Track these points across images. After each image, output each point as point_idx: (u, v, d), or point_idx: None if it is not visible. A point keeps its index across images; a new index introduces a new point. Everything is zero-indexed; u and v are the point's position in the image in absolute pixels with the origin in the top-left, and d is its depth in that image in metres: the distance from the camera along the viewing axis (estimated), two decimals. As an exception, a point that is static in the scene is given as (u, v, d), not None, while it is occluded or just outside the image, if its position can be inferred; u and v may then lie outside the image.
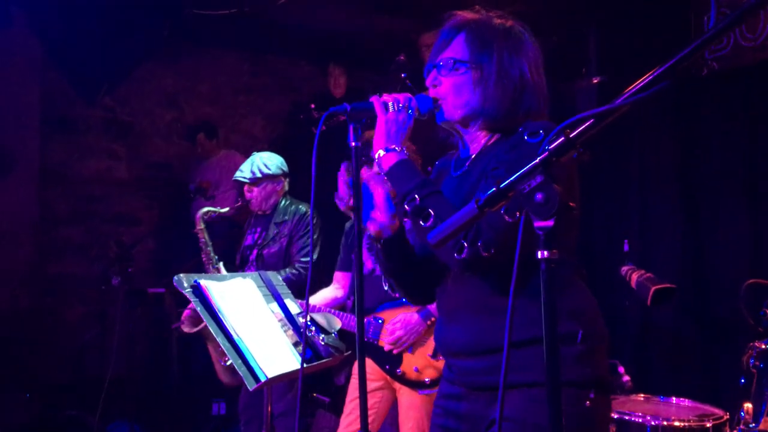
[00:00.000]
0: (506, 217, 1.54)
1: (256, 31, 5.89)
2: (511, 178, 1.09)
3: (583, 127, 1.04)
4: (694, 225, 4.21)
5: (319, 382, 5.35)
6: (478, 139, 1.88)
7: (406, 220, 1.80)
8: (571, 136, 1.04)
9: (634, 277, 3.81)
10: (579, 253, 1.83)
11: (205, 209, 4.18)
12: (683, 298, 4.03)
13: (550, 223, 1.06)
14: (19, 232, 5.64)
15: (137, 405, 5.21)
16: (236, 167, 5.20)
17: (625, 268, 3.93)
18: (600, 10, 5.01)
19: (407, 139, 1.89)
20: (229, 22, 5.25)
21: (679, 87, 4.22)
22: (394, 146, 1.82)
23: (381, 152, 1.83)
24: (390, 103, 1.84)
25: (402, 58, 4.74)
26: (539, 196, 1.06)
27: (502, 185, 1.11)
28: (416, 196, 1.71)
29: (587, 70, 5.13)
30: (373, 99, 1.87)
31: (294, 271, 3.97)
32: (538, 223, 1.07)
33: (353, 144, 1.85)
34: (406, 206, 1.74)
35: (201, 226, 4.11)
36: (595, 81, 4.98)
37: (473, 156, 1.87)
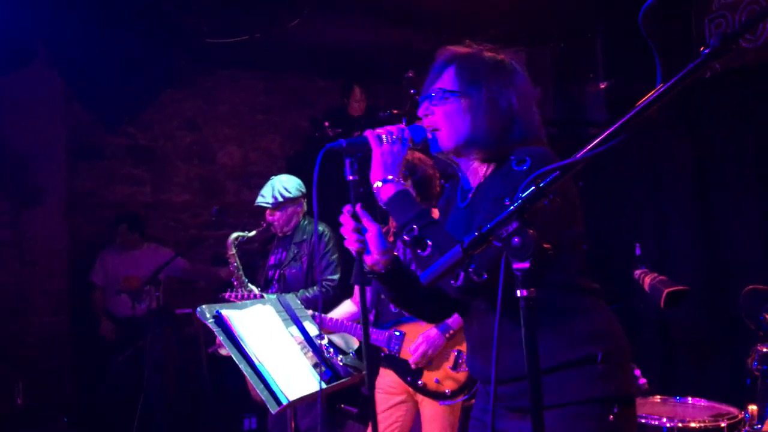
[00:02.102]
0: (495, 242, 1.62)
1: (269, 52, 6.04)
2: (491, 224, 1.20)
3: (551, 177, 1.14)
4: (708, 225, 4.26)
5: (345, 393, 5.46)
6: (474, 170, 1.95)
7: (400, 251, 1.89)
8: (540, 185, 1.15)
9: (647, 280, 3.88)
10: (592, 267, 1.90)
11: (235, 234, 4.32)
12: (699, 298, 4.08)
13: (526, 264, 1.16)
14: (51, 260, 5.84)
15: (171, 423, 5.37)
16: (163, 260, 5.31)
17: (638, 272, 3.99)
18: (605, 14, 5.07)
19: (404, 168, 1.99)
20: (243, 46, 5.40)
21: (685, 90, 4.28)
22: (391, 177, 1.90)
23: (379, 183, 1.91)
24: (384, 136, 1.92)
25: (411, 74, 4.82)
26: (516, 240, 1.17)
27: (483, 230, 1.21)
28: (414, 226, 1.80)
29: (595, 75, 5.20)
30: (367, 133, 1.95)
31: (323, 289, 4.13)
32: (516, 265, 1.18)
33: (350, 178, 1.94)
34: (405, 236, 1.83)
35: (232, 251, 4.25)
36: (603, 86, 5.05)
37: (474, 188, 1.95)
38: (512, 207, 1.17)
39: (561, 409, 1.74)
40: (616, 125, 1.08)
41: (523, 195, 1.16)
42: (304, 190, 4.32)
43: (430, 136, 1.94)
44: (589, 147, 1.11)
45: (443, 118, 1.91)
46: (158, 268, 5.28)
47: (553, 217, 1.65)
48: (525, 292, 1.19)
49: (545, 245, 1.17)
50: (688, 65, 1.03)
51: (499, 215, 1.20)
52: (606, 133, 1.09)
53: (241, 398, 4.96)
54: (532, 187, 1.15)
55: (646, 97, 1.07)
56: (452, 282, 1.70)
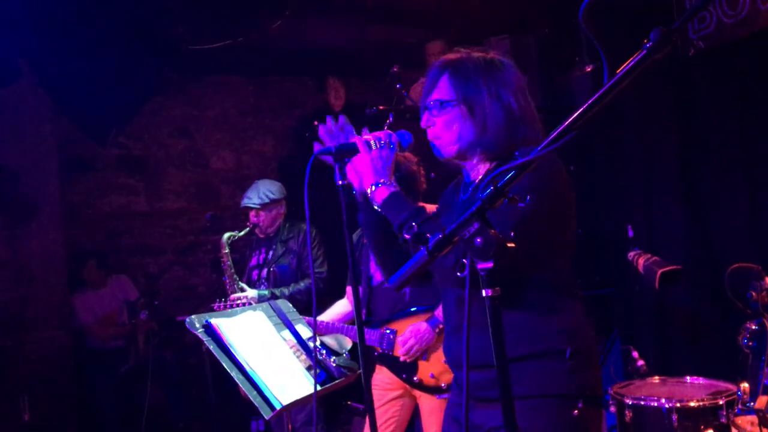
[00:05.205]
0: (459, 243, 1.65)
1: (255, 56, 6.04)
2: (453, 225, 1.21)
3: (509, 176, 1.15)
4: (697, 204, 4.25)
5: (353, 390, 5.48)
6: (477, 169, 2.00)
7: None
8: (499, 185, 1.15)
9: (641, 261, 3.90)
10: (585, 251, 1.94)
11: (227, 234, 4.46)
12: (693, 277, 4.08)
13: (489, 264, 1.17)
14: (49, 274, 5.85)
15: (178, 428, 5.40)
16: (128, 289, 5.65)
17: (631, 254, 4.02)
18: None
19: (393, 171, 2.03)
20: (228, 52, 5.39)
21: (669, 69, 4.28)
22: (383, 180, 1.96)
23: (372, 188, 1.97)
24: (372, 141, 1.99)
25: (396, 69, 4.82)
26: (478, 240, 1.18)
27: (447, 231, 1.22)
28: (413, 223, 1.84)
29: (580, 59, 5.19)
30: (356, 139, 2.02)
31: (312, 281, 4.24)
32: (480, 265, 1.18)
33: (340, 182, 2.00)
34: (405, 234, 1.87)
35: (226, 250, 4.41)
36: (589, 69, 5.04)
37: (476, 181, 1.99)
38: (473, 208, 1.18)
39: (524, 401, 1.75)
40: (567, 122, 1.09)
41: (483, 195, 1.17)
42: (285, 193, 4.52)
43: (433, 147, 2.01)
44: (543, 145, 1.12)
45: (444, 127, 1.97)
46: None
47: (523, 216, 1.67)
48: (490, 292, 1.20)
49: (509, 244, 1.17)
50: (632, 60, 1.04)
51: (462, 217, 1.21)
52: (558, 130, 1.10)
53: (248, 401, 4.99)
54: (491, 188, 1.16)
55: (594, 95, 1.07)
56: (458, 274, 1.71)
